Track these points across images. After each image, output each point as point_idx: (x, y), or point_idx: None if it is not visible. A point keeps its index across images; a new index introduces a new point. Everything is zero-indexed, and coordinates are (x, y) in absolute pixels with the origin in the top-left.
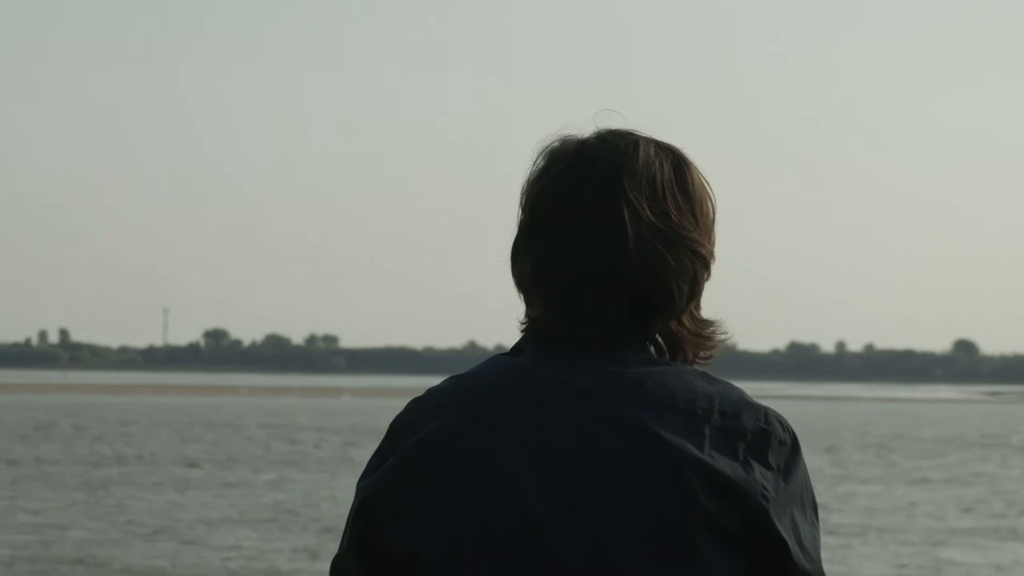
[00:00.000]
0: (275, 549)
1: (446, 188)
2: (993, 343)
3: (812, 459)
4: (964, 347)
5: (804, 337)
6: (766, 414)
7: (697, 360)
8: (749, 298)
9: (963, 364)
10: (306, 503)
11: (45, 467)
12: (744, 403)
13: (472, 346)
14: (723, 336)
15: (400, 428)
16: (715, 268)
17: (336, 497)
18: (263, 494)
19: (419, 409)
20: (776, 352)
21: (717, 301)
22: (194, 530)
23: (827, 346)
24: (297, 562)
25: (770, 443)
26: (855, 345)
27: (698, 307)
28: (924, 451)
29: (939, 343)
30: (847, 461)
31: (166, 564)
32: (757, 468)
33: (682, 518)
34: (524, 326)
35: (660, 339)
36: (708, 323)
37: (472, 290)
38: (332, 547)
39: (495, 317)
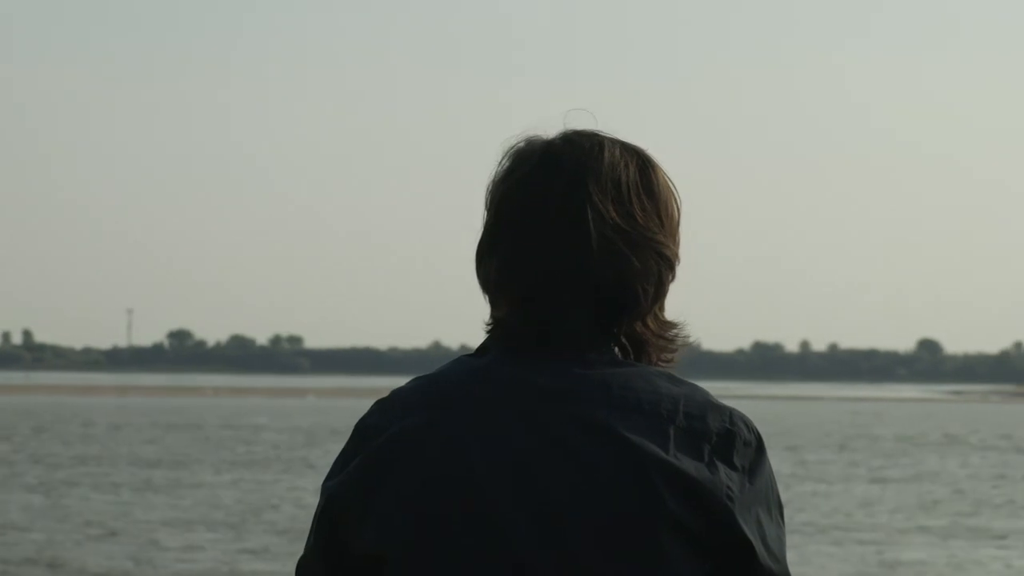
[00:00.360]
0: (236, 550)
1: (410, 189)
2: (956, 342)
3: (773, 458)
4: (928, 346)
5: (768, 337)
6: (731, 415)
7: (660, 362)
8: (713, 298)
9: (927, 363)
10: (267, 504)
11: (2, 468)
12: (709, 404)
13: (437, 346)
14: (686, 338)
15: (365, 429)
16: (679, 267)
17: (298, 498)
18: (224, 495)
19: (384, 410)
20: (740, 352)
21: (681, 301)
22: (154, 531)
23: (791, 346)
24: (258, 564)
25: (735, 444)
26: (819, 344)
27: (662, 309)
28: (885, 450)
29: (903, 342)
30: (808, 460)
31: (125, 565)
32: (722, 469)
33: (647, 519)
34: (489, 327)
35: (625, 340)
36: (672, 325)
37: (436, 290)
38: (293, 548)
39: (460, 317)
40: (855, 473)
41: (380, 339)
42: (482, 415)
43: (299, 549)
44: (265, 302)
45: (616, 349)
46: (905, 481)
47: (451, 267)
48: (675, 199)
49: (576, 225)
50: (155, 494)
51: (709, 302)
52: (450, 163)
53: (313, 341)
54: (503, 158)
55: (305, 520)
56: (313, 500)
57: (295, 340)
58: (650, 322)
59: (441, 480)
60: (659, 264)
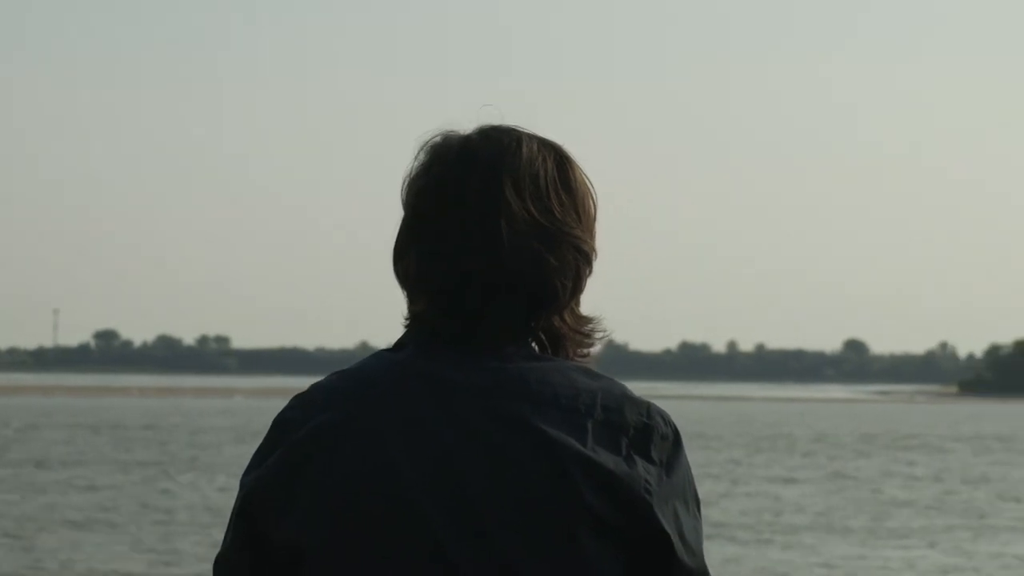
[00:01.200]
0: (152, 549)
1: (338, 191)
2: (883, 343)
3: (689, 458)
4: (854, 347)
5: (695, 337)
6: (648, 409)
7: (576, 356)
8: (641, 298)
9: (853, 364)
10: (187, 504)
11: None
12: (626, 398)
13: (364, 347)
14: (603, 333)
15: (284, 423)
16: (608, 269)
17: (217, 498)
18: (141, 495)
19: (302, 405)
20: (668, 352)
21: (609, 300)
22: (59, 532)
23: (718, 346)
24: (168, 566)
25: (652, 437)
26: (746, 345)
27: (579, 304)
28: (801, 450)
29: (830, 343)
30: (722, 460)
31: (24, 564)
32: (640, 462)
33: (565, 513)
34: (407, 322)
35: (542, 335)
36: (588, 320)
37: (364, 291)
38: (207, 552)
39: (387, 317)
40: (769, 473)
41: (307, 339)
42: (401, 409)
43: (212, 551)
44: (192, 302)
45: (534, 344)
46: (817, 481)
47: (378, 267)
48: (592, 195)
49: (493, 220)
50: (63, 494)
51: (637, 302)
52: (373, 163)
53: (240, 341)
54: (419, 152)
55: (221, 521)
56: (230, 500)
57: (222, 340)
58: (567, 317)
59: (361, 474)
60: (577, 259)
